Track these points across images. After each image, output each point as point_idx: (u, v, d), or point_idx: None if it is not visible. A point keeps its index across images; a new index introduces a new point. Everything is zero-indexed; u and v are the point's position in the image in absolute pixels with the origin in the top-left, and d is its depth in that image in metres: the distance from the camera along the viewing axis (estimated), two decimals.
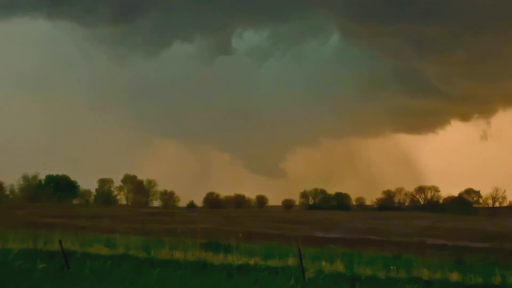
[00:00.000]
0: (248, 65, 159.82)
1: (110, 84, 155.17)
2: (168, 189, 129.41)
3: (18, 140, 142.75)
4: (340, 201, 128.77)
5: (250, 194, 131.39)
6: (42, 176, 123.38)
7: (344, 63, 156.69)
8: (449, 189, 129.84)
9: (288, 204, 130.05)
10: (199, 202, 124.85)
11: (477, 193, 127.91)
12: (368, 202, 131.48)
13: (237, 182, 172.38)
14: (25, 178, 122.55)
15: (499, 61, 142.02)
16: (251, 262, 20.87)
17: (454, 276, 19.00)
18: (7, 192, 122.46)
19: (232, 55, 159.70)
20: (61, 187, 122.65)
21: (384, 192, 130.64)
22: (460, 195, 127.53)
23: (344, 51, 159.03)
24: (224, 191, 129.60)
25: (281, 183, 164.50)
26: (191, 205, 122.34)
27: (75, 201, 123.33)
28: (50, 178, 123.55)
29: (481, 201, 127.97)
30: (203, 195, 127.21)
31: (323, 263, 20.15)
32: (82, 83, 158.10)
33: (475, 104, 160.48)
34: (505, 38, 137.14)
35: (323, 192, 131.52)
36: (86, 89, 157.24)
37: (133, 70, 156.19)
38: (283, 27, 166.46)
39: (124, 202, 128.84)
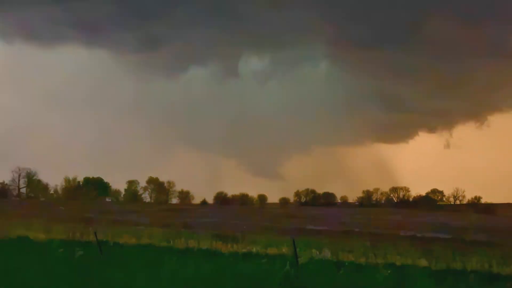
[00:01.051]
0: (252, 87, 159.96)
1: (137, 102, 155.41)
2: (185, 189, 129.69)
3: (60, 148, 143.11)
4: (327, 199, 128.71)
5: (253, 193, 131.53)
6: (80, 178, 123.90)
7: (332, 84, 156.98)
8: (417, 189, 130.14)
9: (284, 202, 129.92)
10: (210, 200, 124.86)
11: (441, 192, 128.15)
12: (350, 200, 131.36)
13: (242, 183, 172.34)
14: (66, 179, 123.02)
15: (459, 84, 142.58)
16: (254, 250, 20.82)
17: (422, 262, 18.92)
18: (52, 192, 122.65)
19: (239, 78, 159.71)
20: (96, 187, 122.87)
21: (364, 191, 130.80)
22: (427, 194, 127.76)
23: (332, 74, 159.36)
24: (231, 191, 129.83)
25: (278, 184, 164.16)
26: (204, 202, 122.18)
27: (107, 199, 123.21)
28: (87, 180, 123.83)
29: (444, 199, 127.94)
30: (213, 194, 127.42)
31: (313, 251, 20.09)
32: (114, 102, 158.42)
33: (439, 118, 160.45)
34: (464, 67, 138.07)
35: (313, 191, 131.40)
36: (118, 106, 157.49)
37: (157, 90, 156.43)
38: (282, 54, 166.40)
39: (148, 200, 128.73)
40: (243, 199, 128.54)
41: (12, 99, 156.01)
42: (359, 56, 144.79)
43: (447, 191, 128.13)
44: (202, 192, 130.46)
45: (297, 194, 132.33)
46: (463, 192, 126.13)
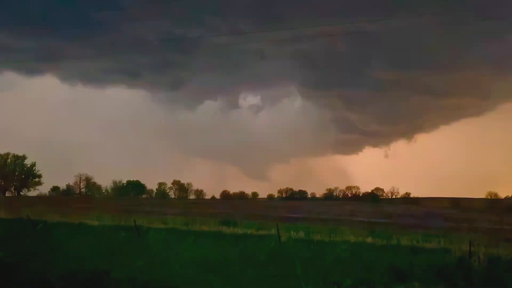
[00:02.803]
0: (248, 115, 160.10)
1: (166, 127, 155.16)
2: (199, 188, 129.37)
3: (109, 159, 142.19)
4: (302, 195, 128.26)
5: (248, 191, 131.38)
6: (124, 181, 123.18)
7: (304, 114, 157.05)
8: (365, 187, 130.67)
9: (270, 197, 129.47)
10: (217, 196, 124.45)
11: (382, 189, 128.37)
12: (318, 195, 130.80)
13: (240, 183, 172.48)
14: (114, 182, 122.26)
15: (393, 113, 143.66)
16: (249, 232, 20.70)
17: (369, 240, 18.89)
18: (103, 191, 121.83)
19: (239, 109, 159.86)
20: (135, 187, 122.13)
21: (327, 189, 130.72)
22: (372, 191, 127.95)
23: (304, 107, 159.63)
24: (233, 189, 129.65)
25: (267, 184, 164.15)
26: (213, 198, 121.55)
27: (143, 196, 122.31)
28: (129, 182, 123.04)
29: (384, 194, 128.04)
30: (220, 191, 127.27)
31: (292, 232, 20.01)
32: (149, 127, 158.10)
33: (379, 138, 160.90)
34: (396, 100, 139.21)
35: (291, 189, 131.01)
36: (152, 130, 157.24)
37: (181, 118, 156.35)
38: (269, 92, 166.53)
39: (173, 196, 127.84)
40: (241, 195, 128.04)
41: (75, 125, 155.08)
42: (322, 94, 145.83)
43: (386, 189, 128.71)
44: (212, 190, 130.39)
45: (280, 191, 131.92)
46: (398, 189, 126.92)
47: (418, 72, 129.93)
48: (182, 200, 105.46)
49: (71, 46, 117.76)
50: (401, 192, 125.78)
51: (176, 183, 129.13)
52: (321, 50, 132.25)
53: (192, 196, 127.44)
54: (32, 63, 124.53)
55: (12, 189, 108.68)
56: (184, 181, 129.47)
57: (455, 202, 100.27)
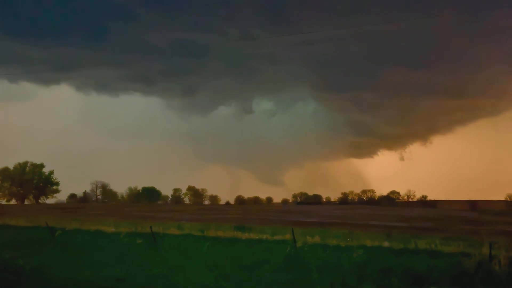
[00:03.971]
0: (262, 120, 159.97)
1: (180, 133, 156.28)
2: (214, 193, 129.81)
3: (125, 166, 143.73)
4: (316, 199, 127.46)
5: (262, 195, 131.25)
6: (139, 187, 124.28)
7: (317, 117, 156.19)
8: (381, 191, 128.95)
9: (285, 201, 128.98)
10: (232, 201, 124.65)
11: (398, 193, 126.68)
12: (333, 199, 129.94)
13: (255, 188, 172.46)
14: (130, 188, 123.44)
15: (408, 115, 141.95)
16: (264, 237, 20.60)
17: (386, 244, 18.60)
18: (120, 197, 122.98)
19: (253, 114, 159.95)
20: (151, 194, 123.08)
21: (342, 193, 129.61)
22: (388, 194, 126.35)
23: (317, 110, 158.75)
24: (247, 194, 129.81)
25: (281, 188, 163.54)
26: (227, 203, 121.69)
27: (159, 202, 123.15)
28: (144, 189, 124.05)
29: (400, 198, 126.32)
30: (234, 196, 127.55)
31: (307, 237, 19.85)
32: (163, 133, 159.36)
33: (395, 140, 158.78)
34: (411, 102, 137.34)
35: (305, 194, 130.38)
36: (165, 136, 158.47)
37: (194, 124, 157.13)
38: (283, 96, 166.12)
39: (188, 202, 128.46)
40: (255, 200, 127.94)
41: (90, 133, 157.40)
42: (335, 97, 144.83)
43: (402, 192, 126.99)
44: (226, 195, 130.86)
45: (294, 195, 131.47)
46: (414, 192, 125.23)
47: (432, 73, 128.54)
48: (197, 205, 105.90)
49: (84, 55, 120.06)
50: (418, 195, 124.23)
51: (190, 189, 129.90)
52: (334, 52, 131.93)
53: (206, 202, 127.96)
54: (47, 73, 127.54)
55: (30, 197, 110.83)
56: (198, 186, 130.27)
57: (474, 205, 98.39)
